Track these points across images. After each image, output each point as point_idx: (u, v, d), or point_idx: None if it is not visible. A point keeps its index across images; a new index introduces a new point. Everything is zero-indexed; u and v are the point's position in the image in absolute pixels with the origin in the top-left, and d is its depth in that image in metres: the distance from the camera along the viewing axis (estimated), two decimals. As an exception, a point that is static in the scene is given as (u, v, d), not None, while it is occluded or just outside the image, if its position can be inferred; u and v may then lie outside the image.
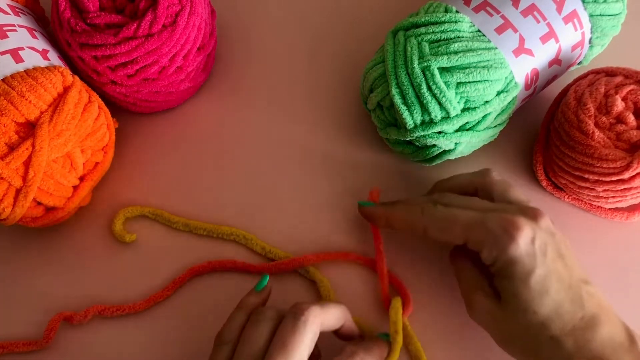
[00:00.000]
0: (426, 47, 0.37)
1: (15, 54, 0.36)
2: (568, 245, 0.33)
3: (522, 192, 0.36)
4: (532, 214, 0.33)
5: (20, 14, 0.39)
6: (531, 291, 0.31)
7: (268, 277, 0.35)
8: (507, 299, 0.32)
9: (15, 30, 0.37)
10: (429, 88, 0.36)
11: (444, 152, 0.39)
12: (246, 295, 0.34)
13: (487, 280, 0.34)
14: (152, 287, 0.39)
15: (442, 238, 0.34)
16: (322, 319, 0.32)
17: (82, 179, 0.39)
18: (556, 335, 0.31)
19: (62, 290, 0.39)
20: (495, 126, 0.39)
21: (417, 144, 0.39)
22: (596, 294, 0.32)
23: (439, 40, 0.37)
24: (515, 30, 0.37)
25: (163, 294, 0.38)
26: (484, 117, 0.38)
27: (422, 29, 0.38)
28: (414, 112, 0.37)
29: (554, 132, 0.39)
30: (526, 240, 0.31)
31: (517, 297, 0.31)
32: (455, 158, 0.41)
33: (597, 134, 0.36)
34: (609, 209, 0.40)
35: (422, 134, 0.37)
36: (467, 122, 0.37)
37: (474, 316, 0.34)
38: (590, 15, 0.39)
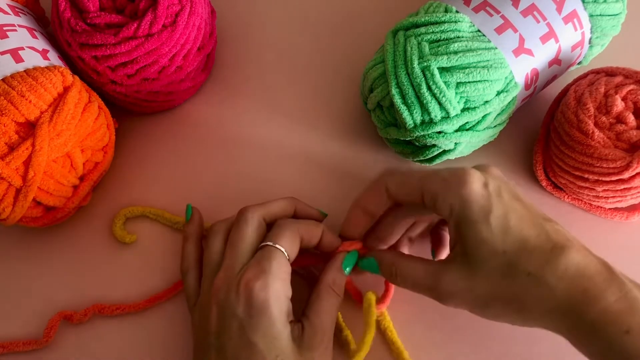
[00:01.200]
0: (426, 47, 0.37)
1: (15, 53, 0.36)
2: (519, 190, 0.33)
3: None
4: (482, 166, 0.34)
5: (20, 14, 0.39)
6: (493, 230, 0.30)
7: (190, 205, 0.39)
8: (473, 249, 0.31)
9: (15, 30, 0.37)
10: (429, 88, 0.36)
11: (444, 152, 0.39)
12: (184, 229, 0.38)
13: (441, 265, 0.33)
14: (153, 287, 0.39)
15: (401, 193, 0.34)
16: (262, 213, 0.35)
17: (82, 179, 0.39)
18: (533, 271, 0.30)
19: (62, 290, 0.39)
20: (495, 126, 0.39)
21: (417, 143, 0.39)
22: (562, 229, 0.31)
23: (439, 40, 0.37)
24: (515, 30, 0.37)
25: (164, 295, 0.38)
26: (484, 117, 0.38)
27: (422, 29, 0.38)
28: (414, 112, 0.37)
29: (554, 132, 0.39)
30: (478, 184, 0.31)
31: (482, 240, 0.30)
32: (455, 158, 0.41)
33: (597, 133, 0.36)
34: (609, 209, 0.40)
35: (422, 133, 0.37)
36: (467, 122, 0.37)
37: (448, 292, 0.32)
38: (590, 15, 0.39)
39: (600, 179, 0.36)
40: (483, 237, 0.30)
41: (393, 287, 0.38)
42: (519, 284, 0.30)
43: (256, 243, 0.34)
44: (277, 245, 0.33)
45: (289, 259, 0.33)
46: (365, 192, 0.36)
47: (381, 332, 0.38)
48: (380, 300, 0.37)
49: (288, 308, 0.32)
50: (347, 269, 0.36)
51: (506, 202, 0.31)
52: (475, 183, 0.31)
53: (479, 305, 0.32)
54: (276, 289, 0.31)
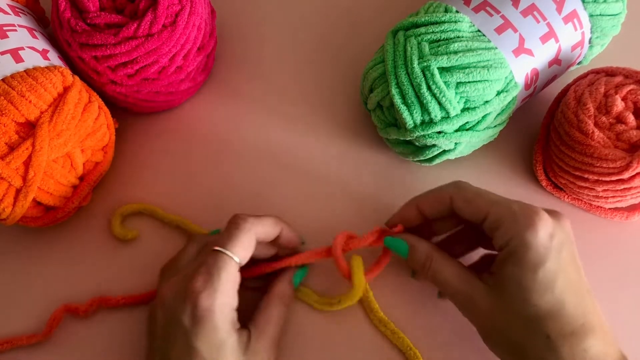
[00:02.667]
0: (426, 47, 0.37)
1: (15, 53, 0.36)
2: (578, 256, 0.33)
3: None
4: (556, 214, 0.32)
5: (20, 14, 0.39)
6: (537, 282, 0.30)
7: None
8: (509, 286, 0.31)
9: (16, 30, 0.37)
10: (429, 88, 0.36)
11: (444, 152, 0.39)
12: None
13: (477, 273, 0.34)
14: (154, 286, 0.39)
15: (465, 209, 0.33)
16: (256, 228, 0.34)
17: (82, 178, 0.39)
18: (553, 337, 0.30)
19: (63, 289, 0.39)
20: (495, 126, 0.39)
21: (417, 143, 0.39)
22: (599, 310, 0.31)
23: (439, 40, 0.37)
24: (515, 30, 0.37)
25: None
26: (484, 117, 0.38)
27: (422, 29, 0.38)
28: (414, 112, 0.37)
29: (554, 132, 0.39)
30: (545, 232, 0.30)
31: (521, 285, 0.30)
32: (455, 158, 0.41)
33: (597, 133, 0.36)
34: (609, 208, 0.40)
35: (422, 133, 0.37)
36: (467, 122, 0.37)
37: (471, 305, 0.33)
38: (590, 15, 0.39)
39: (600, 179, 0.36)
40: (525, 283, 0.30)
41: (384, 264, 0.37)
42: (533, 341, 0.30)
43: (248, 253, 0.34)
44: (229, 253, 0.33)
45: (240, 263, 0.34)
46: (428, 194, 0.36)
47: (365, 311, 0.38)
48: (368, 270, 0.37)
49: (233, 317, 0.33)
50: (297, 281, 0.38)
51: (562, 261, 0.30)
52: (543, 230, 0.30)
53: (487, 332, 0.33)
54: (222, 301, 0.32)
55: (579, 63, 0.43)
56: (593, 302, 0.31)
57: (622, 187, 0.36)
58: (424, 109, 0.36)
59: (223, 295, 0.32)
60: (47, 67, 0.36)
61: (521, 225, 0.31)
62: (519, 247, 0.31)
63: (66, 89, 0.36)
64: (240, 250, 0.33)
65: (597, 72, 0.40)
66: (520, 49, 0.37)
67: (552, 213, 0.32)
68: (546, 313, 0.30)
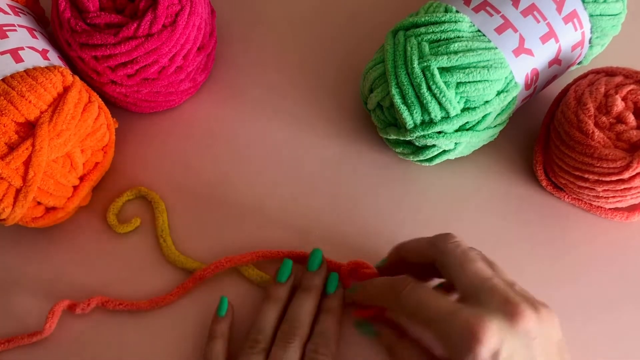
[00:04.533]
0: (426, 47, 0.37)
1: (15, 53, 0.36)
2: (557, 335, 0.29)
3: (483, 267, 0.31)
4: (511, 314, 0.28)
5: (20, 14, 0.39)
6: None
7: (226, 299, 0.37)
8: None
9: (15, 30, 0.37)
10: (429, 88, 0.36)
11: (444, 152, 0.39)
12: (213, 324, 0.36)
13: None
14: (154, 287, 0.39)
15: (410, 323, 0.33)
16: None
17: (82, 178, 0.39)
18: None
19: (63, 289, 0.39)
20: (495, 126, 0.39)
21: (417, 143, 0.39)
22: None
23: (439, 40, 0.37)
24: (515, 30, 0.37)
25: (168, 299, 0.38)
26: (484, 117, 0.38)
27: (422, 29, 0.38)
28: (414, 112, 0.37)
29: (554, 132, 0.39)
30: (487, 354, 0.27)
31: None
32: (455, 158, 0.41)
33: (597, 133, 0.36)
34: (609, 209, 0.40)
35: (422, 134, 0.37)
36: (467, 122, 0.37)
37: None
38: (590, 15, 0.39)
39: (600, 179, 0.36)
40: None
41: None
42: None
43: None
44: None
45: None
46: (374, 298, 0.35)
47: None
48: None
49: None
50: (331, 289, 0.37)
51: None
52: (485, 351, 0.27)
53: None
54: None
55: (579, 63, 0.43)
56: None
57: (622, 187, 0.36)
58: (424, 109, 0.36)
59: None
60: (47, 67, 0.36)
61: (459, 349, 0.28)
62: None
63: (66, 89, 0.36)
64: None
65: (597, 72, 0.40)
66: (521, 49, 0.37)
67: (508, 310, 0.28)
68: None
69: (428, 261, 0.33)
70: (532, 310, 0.28)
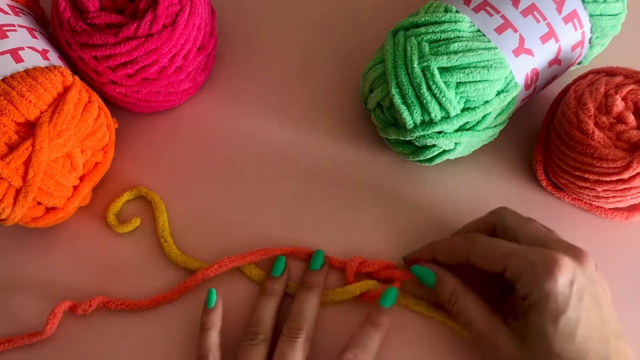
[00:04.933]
0: (426, 47, 0.37)
1: (15, 54, 0.36)
2: (608, 295, 0.33)
3: (542, 227, 0.35)
4: (577, 255, 0.32)
5: (20, 14, 0.39)
6: (557, 332, 0.30)
7: (214, 290, 0.37)
8: (532, 335, 0.31)
9: (15, 30, 0.37)
10: (429, 88, 0.36)
11: (444, 152, 0.39)
12: (203, 316, 0.36)
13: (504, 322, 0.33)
14: (154, 287, 0.39)
15: (482, 264, 0.34)
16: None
17: (82, 179, 0.39)
18: None
19: (63, 290, 0.39)
20: (495, 126, 0.39)
21: (417, 143, 0.39)
22: (626, 351, 0.31)
23: (439, 40, 0.37)
24: (515, 30, 0.37)
25: (169, 297, 0.38)
26: (484, 117, 0.38)
27: (422, 29, 0.38)
28: (414, 112, 0.37)
29: (554, 132, 0.39)
30: (565, 280, 0.30)
31: (543, 335, 0.30)
32: (455, 158, 0.41)
33: (597, 133, 0.36)
34: (609, 209, 0.40)
35: (422, 134, 0.37)
36: (467, 122, 0.37)
37: (495, 349, 0.33)
38: (590, 15, 0.39)
39: (601, 179, 0.36)
40: (546, 332, 0.30)
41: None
42: None
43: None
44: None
45: None
46: (443, 245, 0.37)
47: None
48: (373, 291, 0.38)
49: None
50: (388, 303, 0.36)
51: (583, 308, 0.30)
52: (563, 279, 0.30)
53: None
54: None
55: (579, 63, 0.43)
56: (619, 347, 0.31)
57: (622, 187, 0.36)
58: (424, 109, 0.36)
59: None
60: (47, 67, 0.36)
61: (539, 276, 0.31)
62: (539, 298, 0.31)
63: (66, 89, 0.36)
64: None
65: (597, 72, 0.40)
66: (520, 49, 0.37)
67: (575, 253, 0.32)
68: None
69: (459, 262, 0.35)
70: (591, 258, 0.33)
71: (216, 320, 0.36)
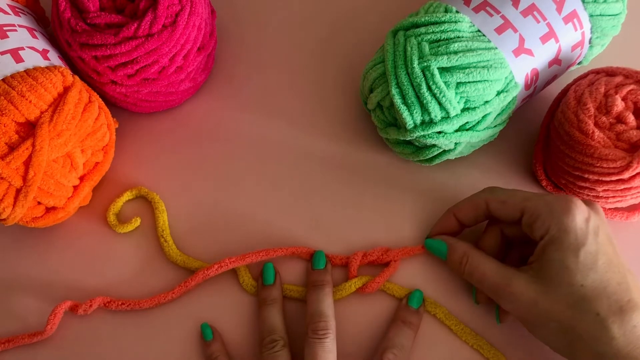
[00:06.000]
0: (426, 47, 0.37)
1: (15, 53, 0.36)
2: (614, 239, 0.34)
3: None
4: (591, 203, 0.34)
5: (20, 14, 0.39)
6: (580, 263, 0.31)
7: (207, 325, 0.38)
8: (553, 271, 0.32)
9: (16, 30, 0.37)
10: (429, 88, 0.36)
11: (444, 152, 0.39)
12: (206, 349, 0.37)
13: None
14: (154, 286, 0.39)
15: (502, 210, 0.35)
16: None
17: (82, 178, 0.39)
18: (603, 314, 0.31)
19: (63, 290, 0.39)
20: (495, 126, 0.39)
21: (417, 144, 0.39)
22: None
23: (439, 40, 0.37)
24: (515, 30, 0.37)
25: (170, 296, 0.38)
26: (484, 117, 0.38)
27: (422, 29, 0.38)
28: (414, 112, 0.37)
29: (554, 132, 0.39)
30: (581, 217, 0.32)
31: (565, 268, 0.31)
32: (455, 158, 0.41)
33: (597, 133, 0.36)
34: (609, 209, 0.40)
35: (422, 134, 0.37)
36: (467, 122, 0.37)
37: (512, 296, 0.33)
38: (590, 15, 0.39)
39: (600, 179, 0.36)
40: (568, 265, 0.32)
41: (389, 275, 0.39)
42: (583, 319, 0.31)
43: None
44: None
45: None
46: (463, 202, 0.38)
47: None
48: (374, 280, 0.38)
49: None
50: (416, 304, 0.38)
51: (600, 242, 0.32)
52: (579, 215, 0.32)
53: (534, 321, 0.33)
54: None
55: (579, 63, 0.43)
56: (634, 279, 0.32)
57: (622, 187, 0.36)
58: (424, 109, 0.36)
59: None
60: (47, 67, 0.36)
61: (558, 212, 0.32)
62: (559, 233, 0.32)
63: (66, 89, 0.36)
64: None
65: (597, 72, 0.40)
66: (520, 49, 0.37)
67: (585, 200, 0.34)
68: (592, 292, 0.31)
69: (480, 215, 0.37)
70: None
71: (221, 348, 0.37)
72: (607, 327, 0.30)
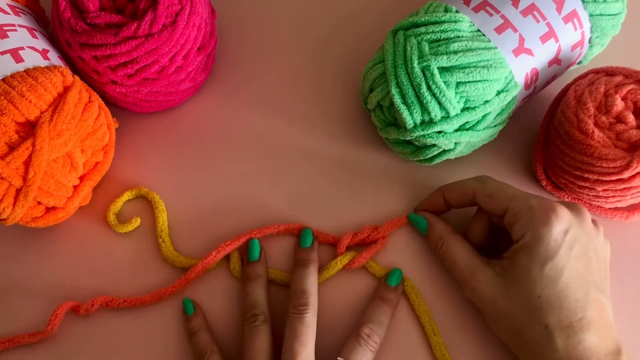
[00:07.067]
0: (426, 47, 0.37)
1: (15, 53, 0.36)
2: (606, 250, 0.35)
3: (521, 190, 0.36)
4: (576, 209, 0.34)
5: (20, 14, 0.39)
6: (543, 275, 0.32)
7: (189, 300, 0.38)
8: (517, 276, 0.33)
9: (16, 30, 0.37)
10: (429, 88, 0.36)
11: (444, 151, 0.39)
12: (188, 323, 0.37)
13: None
14: (155, 285, 0.39)
15: (487, 204, 0.36)
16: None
17: (82, 178, 0.39)
18: (550, 327, 0.31)
19: (63, 290, 0.39)
20: (495, 126, 0.39)
21: (417, 143, 0.39)
22: (605, 305, 0.33)
23: (439, 40, 0.37)
24: (515, 30, 0.37)
25: (170, 290, 0.38)
26: (484, 116, 0.38)
27: (422, 29, 0.38)
28: (414, 111, 0.37)
29: (554, 132, 0.39)
30: (559, 228, 0.32)
31: (529, 276, 0.32)
32: (455, 158, 0.41)
33: (597, 133, 0.36)
34: (609, 208, 0.40)
35: (422, 133, 0.37)
36: (467, 122, 0.37)
37: (475, 288, 0.34)
38: (590, 15, 0.39)
39: (600, 178, 0.36)
40: (531, 274, 0.32)
41: (376, 251, 0.39)
42: (531, 328, 0.32)
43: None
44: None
45: None
46: (453, 186, 0.39)
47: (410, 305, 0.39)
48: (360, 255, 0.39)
49: None
50: (394, 282, 0.38)
51: (571, 257, 0.32)
52: (557, 226, 0.32)
53: (490, 316, 0.34)
54: None
55: (579, 63, 0.43)
56: (598, 298, 0.32)
57: (622, 186, 0.36)
58: (424, 108, 0.36)
59: None
60: (47, 67, 0.36)
61: (536, 220, 0.33)
62: (532, 241, 0.32)
63: (66, 89, 0.36)
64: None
65: (597, 72, 0.40)
66: (520, 49, 0.37)
67: (572, 207, 0.34)
68: (547, 304, 0.32)
69: (467, 201, 0.37)
70: (588, 215, 0.34)
71: (202, 322, 0.37)
72: (552, 340, 0.31)
